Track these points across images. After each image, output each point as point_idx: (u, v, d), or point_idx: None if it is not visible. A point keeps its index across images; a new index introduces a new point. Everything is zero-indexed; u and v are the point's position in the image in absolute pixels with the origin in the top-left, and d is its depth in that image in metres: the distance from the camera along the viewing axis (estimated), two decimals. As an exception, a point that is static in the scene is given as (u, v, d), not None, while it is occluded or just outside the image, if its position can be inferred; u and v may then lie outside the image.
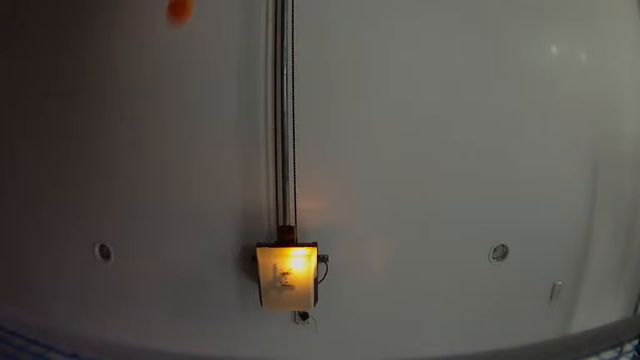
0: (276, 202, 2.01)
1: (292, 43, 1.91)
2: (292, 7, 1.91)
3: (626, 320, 2.39)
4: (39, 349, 2.27)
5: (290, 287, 1.95)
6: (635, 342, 2.17)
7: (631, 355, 2.13)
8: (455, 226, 2.09)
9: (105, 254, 2.23)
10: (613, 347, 2.20)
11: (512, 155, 2.09)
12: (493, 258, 2.14)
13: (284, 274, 1.94)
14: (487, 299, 2.19)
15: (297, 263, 1.93)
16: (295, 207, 1.97)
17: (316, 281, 1.98)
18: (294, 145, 1.95)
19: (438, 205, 2.07)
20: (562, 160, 2.14)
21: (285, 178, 1.96)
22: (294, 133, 1.94)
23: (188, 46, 2.00)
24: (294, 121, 1.94)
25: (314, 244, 1.93)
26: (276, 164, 1.98)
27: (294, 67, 1.92)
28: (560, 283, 2.23)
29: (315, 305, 2.00)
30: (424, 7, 1.97)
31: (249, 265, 2.03)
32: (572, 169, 2.17)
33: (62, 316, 2.39)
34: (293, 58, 1.92)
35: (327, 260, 2.00)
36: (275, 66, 1.95)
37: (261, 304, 2.00)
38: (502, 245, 2.13)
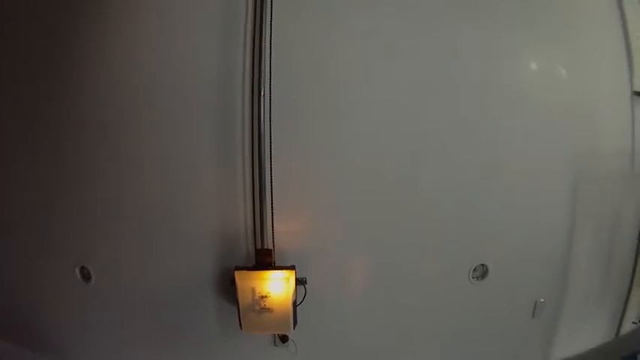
0: (254, 225, 2.00)
1: (270, 63, 1.90)
2: (270, 28, 1.89)
3: (610, 343, 2.39)
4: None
5: (269, 310, 1.94)
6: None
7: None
8: (434, 246, 2.08)
9: (86, 276, 2.22)
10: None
11: (491, 172, 2.08)
12: (473, 278, 2.13)
13: (262, 297, 1.93)
14: (468, 319, 2.18)
15: (276, 286, 1.92)
16: (273, 230, 1.96)
17: (295, 304, 1.97)
18: (271, 167, 1.93)
19: (416, 225, 2.06)
20: (542, 176, 2.14)
21: (262, 200, 1.95)
22: (271, 154, 1.93)
23: (165, 66, 1.99)
24: (271, 142, 1.92)
25: (292, 267, 1.92)
26: (253, 187, 1.97)
27: (272, 88, 1.91)
28: (542, 300, 2.23)
29: (294, 328, 1.99)
30: (405, 22, 1.96)
31: (228, 287, 2.02)
32: (553, 184, 2.17)
33: (42, 335, 2.38)
34: (270, 79, 1.91)
35: (306, 283, 1.99)
36: (252, 87, 1.93)
37: (241, 327, 1.99)
38: (482, 265, 2.12)
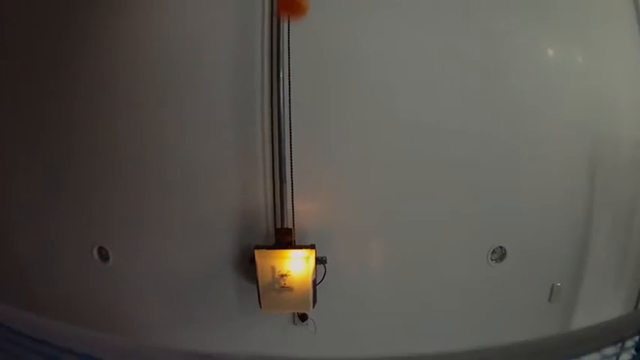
0: (274, 205, 2.00)
1: (288, 45, 1.91)
2: (289, 9, 1.91)
3: (627, 316, 2.38)
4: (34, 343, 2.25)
5: (289, 289, 1.95)
6: (636, 338, 2.15)
7: (632, 350, 2.11)
8: (453, 227, 2.08)
9: (104, 256, 2.23)
10: (614, 343, 2.18)
11: (509, 157, 2.08)
12: (491, 260, 2.13)
13: (282, 275, 1.94)
14: (486, 301, 2.18)
15: (296, 265, 1.93)
16: (293, 209, 1.97)
17: (315, 283, 1.98)
18: (291, 147, 1.94)
19: (436, 206, 2.06)
20: (560, 161, 2.14)
21: (282, 180, 1.96)
22: (291, 135, 1.93)
23: (184, 49, 1.99)
24: (290, 123, 1.93)
25: (312, 246, 1.92)
26: (273, 167, 1.98)
27: (291, 69, 1.91)
28: (559, 284, 2.23)
29: (314, 307, 2.00)
30: (423, 9, 1.96)
31: (247, 267, 2.03)
32: (570, 170, 2.16)
33: (60, 316, 2.40)
34: (289, 60, 1.91)
35: (326, 262, 2.00)
36: (272, 68, 1.94)
37: (260, 306, 2.00)
38: (500, 247, 2.12)
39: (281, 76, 1.92)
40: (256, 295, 1.99)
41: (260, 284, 1.96)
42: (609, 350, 2.08)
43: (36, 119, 2.21)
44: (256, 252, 1.92)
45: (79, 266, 2.29)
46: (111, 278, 2.25)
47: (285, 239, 1.98)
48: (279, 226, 2.00)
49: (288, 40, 1.90)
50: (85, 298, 2.33)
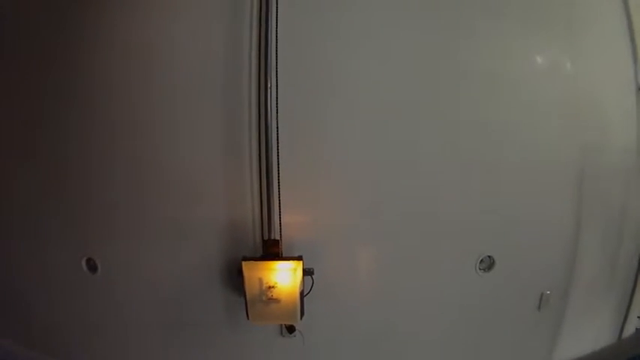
0: (261, 216, 2.00)
1: (276, 54, 1.91)
2: (276, 17, 1.91)
3: (611, 347, 2.39)
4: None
5: (276, 301, 1.94)
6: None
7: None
8: (441, 237, 2.08)
9: (92, 267, 2.22)
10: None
11: (497, 165, 2.09)
12: (480, 269, 2.13)
13: (270, 287, 1.93)
14: (474, 310, 2.18)
15: (283, 277, 1.92)
16: (280, 221, 1.97)
17: (302, 294, 1.98)
18: (278, 158, 1.94)
19: (423, 216, 2.06)
20: (548, 170, 2.15)
21: (269, 191, 1.95)
22: (278, 146, 1.93)
23: (171, 55, 2.00)
24: (278, 133, 1.93)
25: (299, 258, 1.92)
26: (260, 177, 1.97)
27: (278, 79, 1.91)
28: (548, 292, 2.23)
29: (301, 318, 1.99)
30: (412, 15, 1.98)
31: (235, 278, 2.02)
32: (559, 177, 2.18)
33: (49, 326, 2.38)
34: (277, 69, 1.92)
35: (313, 273, 1.99)
36: (259, 78, 1.94)
37: (248, 318, 1.99)
38: (488, 256, 2.12)
39: (268, 85, 1.92)
40: (244, 307, 1.98)
41: (247, 296, 1.95)
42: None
43: (26, 128, 2.21)
44: (244, 263, 1.92)
45: (68, 277, 2.27)
46: (99, 289, 2.24)
47: (272, 251, 1.97)
48: (266, 237, 2.00)
49: (276, 50, 1.91)
50: (73, 308, 2.32)
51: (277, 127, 1.93)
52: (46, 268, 2.31)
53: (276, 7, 1.90)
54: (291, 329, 2.11)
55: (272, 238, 1.98)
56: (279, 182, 1.95)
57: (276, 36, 1.90)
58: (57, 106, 2.13)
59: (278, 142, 1.93)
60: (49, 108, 2.15)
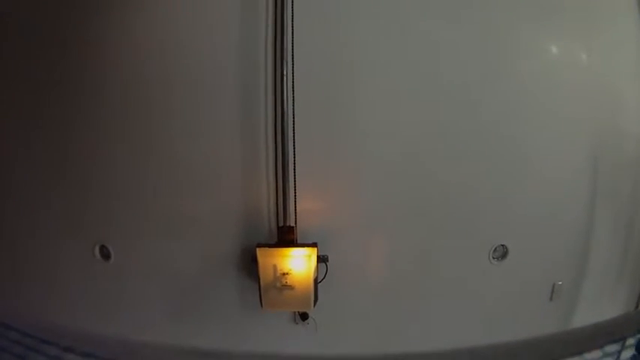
0: (277, 203, 2.01)
1: (292, 43, 1.91)
2: (292, 7, 1.91)
3: (628, 314, 2.39)
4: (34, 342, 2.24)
5: (290, 287, 1.95)
6: (637, 336, 2.16)
7: (633, 349, 2.12)
8: (455, 226, 2.08)
9: (105, 254, 2.23)
10: (616, 341, 2.19)
11: (511, 154, 2.09)
12: (493, 258, 2.14)
13: (284, 274, 1.94)
14: (487, 299, 2.19)
15: (297, 263, 1.93)
16: (295, 207, 1.97)
17: (316, 281, 1.98)
18: (294, 145, 1.94)
19: (438, 205, 2.06)
20: (562, 159, 2.14)
21: (285, 178, 1.96)
22: (294, 133, 1.94)
23: (188, 46, 2.00)
24: (294, 121, 1.93)
25: (314, 245, 1.93)
26: (276, 165, 1.98)
27: (294, 68, 1.92)
28: (560, 283, 2.23)
29: (315, 305, 2.00)
30: (429, 8, 1.97)
31: (249, 265, 2.03)
32: (572, 167, 2.17)
33: (61, 315, 2.39)
34: (293, 58, 1.92)
35: (327, 261, 2.00)
36: (275, 66, 1.95)
37: (261, 305, 2.00)
38: (502, 245, 2.12)
39: (284, 74, 1.92)
40: (257, 294, 1.99)
41: (262, 282, 1.96)
42: (610, 348, 2.10)
43: (35, 116, 2.22)
44: (258, 250, 1.92)
45: (81, 264, 2.28)
46: (112, 276, 2.25)
47: (287, 237, 1.98)
48: (281, 224, 2.00)
49: (292, 39, 1.91)
50: (86, 296, 2.32)
51: (293, 115, 1.93)
52: (59, 254, 2.32)
53: (293, -6, 1.89)
54: (304, 316, 2.11)
55: (287, 224, 1.99)
56: (294, 169, 1.95)
57: (292, 24, 1.91)
58: (70, 95, 2.13)
59: (294, 130, 1.93)
60: (61, 97, 2.15)
